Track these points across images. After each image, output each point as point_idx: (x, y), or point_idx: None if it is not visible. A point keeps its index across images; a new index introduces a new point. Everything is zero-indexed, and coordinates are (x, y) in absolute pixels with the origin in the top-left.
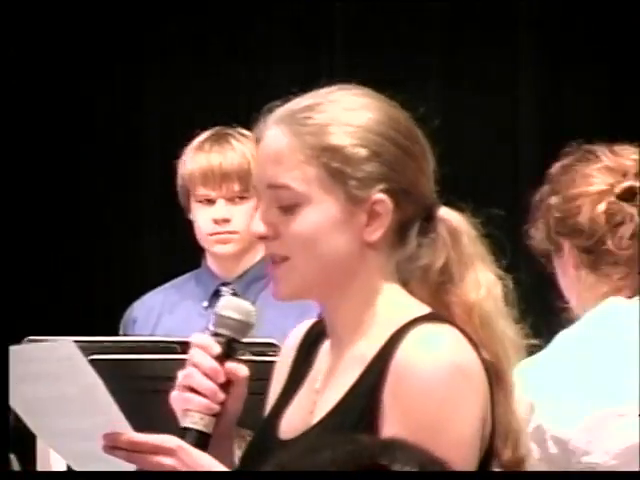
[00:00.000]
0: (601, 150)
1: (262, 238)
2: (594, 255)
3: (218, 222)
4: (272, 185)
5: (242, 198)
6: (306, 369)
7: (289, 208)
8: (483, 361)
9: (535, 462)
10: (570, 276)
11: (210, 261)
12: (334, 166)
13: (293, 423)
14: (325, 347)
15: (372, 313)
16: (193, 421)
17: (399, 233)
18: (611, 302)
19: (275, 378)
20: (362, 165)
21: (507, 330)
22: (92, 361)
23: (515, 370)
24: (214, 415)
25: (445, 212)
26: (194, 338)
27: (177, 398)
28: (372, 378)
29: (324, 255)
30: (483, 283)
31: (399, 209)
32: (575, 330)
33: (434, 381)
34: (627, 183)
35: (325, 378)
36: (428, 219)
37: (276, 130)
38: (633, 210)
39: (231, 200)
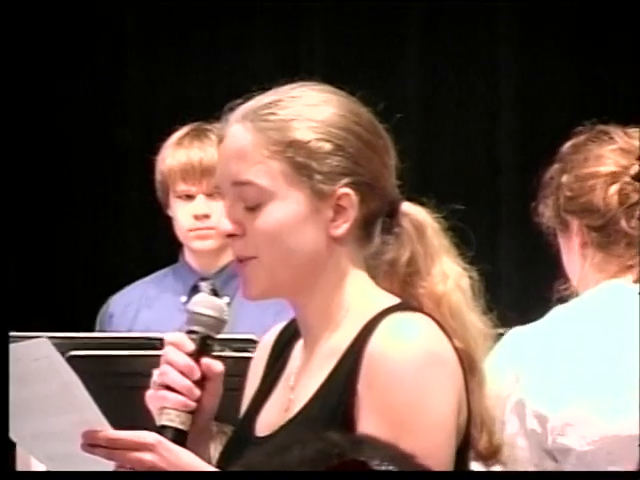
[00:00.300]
0: (615, 131)
1: (230, 236)
2: (604, 234)
3: (198, 218)
4: (237, 182)
5: (221, 194)
6: (280, 368)
7: (254, 205)
8: (456, 350)
9: (511, 450)
10: (575, 254)
11: (188, 256)
12: (299, 161)
13: (269, 420)
14: (299, 345)
15: (342, 306)
16: (170, 419)
17: (364, 227)
18: (614, 283)
19: (250, 378)
20: (326, 159)
21: (475, 321)
22: (71, 357)
23: (504, 338)
24: (190, 412)
25: (408, 206)
26: (167, 336)
27: (153, 396)
28: (346, 369)
29: (292, 252)
30: (450, 275)
31: (364, 203)
32: (572, 306)
33: (409, 368)
34: None
35: (299, 374)
36: (392, 213)
37: (239, 127)
38: None
39: (211, 196)
